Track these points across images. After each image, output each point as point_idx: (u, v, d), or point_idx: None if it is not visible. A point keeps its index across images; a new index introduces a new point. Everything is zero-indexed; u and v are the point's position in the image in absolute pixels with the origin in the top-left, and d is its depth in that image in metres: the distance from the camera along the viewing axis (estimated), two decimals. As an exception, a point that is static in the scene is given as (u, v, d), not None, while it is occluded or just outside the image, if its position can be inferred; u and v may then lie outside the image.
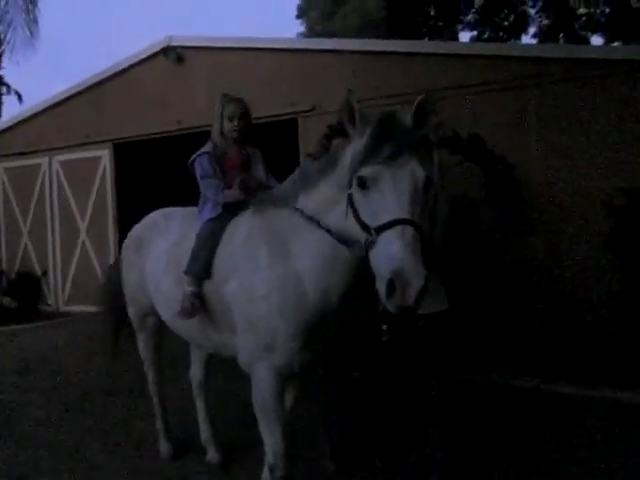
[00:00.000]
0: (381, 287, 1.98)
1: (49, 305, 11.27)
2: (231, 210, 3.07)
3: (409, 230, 2.00)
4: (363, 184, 2.15)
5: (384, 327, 2.39)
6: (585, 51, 7.03)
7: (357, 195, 2.21)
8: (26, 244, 11.56)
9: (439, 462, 3.02)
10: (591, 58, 6.49)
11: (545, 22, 19.06)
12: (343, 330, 3.04)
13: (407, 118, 2.22)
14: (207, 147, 3.30)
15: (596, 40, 19.32)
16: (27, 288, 11.18)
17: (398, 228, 2.00)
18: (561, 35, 18.92)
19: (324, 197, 2.52)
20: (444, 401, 3.05)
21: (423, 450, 3.15)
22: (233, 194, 3.05)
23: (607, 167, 6.30)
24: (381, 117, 2.22)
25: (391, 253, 1.97)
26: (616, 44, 17.05)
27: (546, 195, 6.59)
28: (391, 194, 2.08)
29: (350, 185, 2.24)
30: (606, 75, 6.33)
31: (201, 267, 2.98)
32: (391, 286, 1.92)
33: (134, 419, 4.87)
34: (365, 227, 2.14)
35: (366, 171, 2.14)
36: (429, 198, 2.26)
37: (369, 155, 2.15)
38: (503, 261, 6.27)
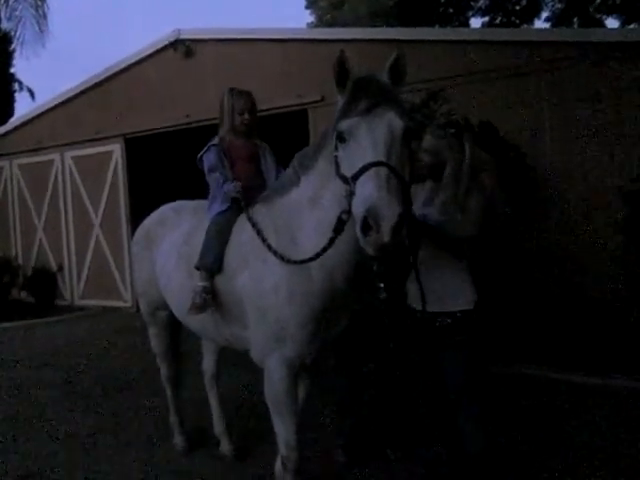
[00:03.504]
0: (357, 228, 1.98)
1: (65, 299, 11.40)
2: (239, 204, 3.05)
3: (383, 170, 2.00)
4: (342, 138, 2.18)
5: (381, 285, 2.36)
6: (599, 34, 6.91)
7: (338, 152, 2.23)
8: (41, 239, 11.68)
9: (476, 454, 2.96)
10: (606, 41, 6.38)
11: (558, 6, 18.74)
12: (354, 322, 3.02)
13: (383, 76, 2.26)
14: (215, 140, 3.29)
15: (612, 23, 19.01)
16: (43, 283, 11.35)
17: (372, 170, 2.01)
18: (575, 19, 18.61)
19: (322, 173, 2.51)
20: (478, 395, 2.99)
21: (453, 444, 3.11)
22: (230, 190, 3.02)
23: (621, 153, 6.22)
24: (359, 77, 2.25)
25: (365, 193, 1.98)
26: (632, 26, 16.75)
27: (559, 182, 6.52)
28: (366, 142, 2.09)
29: (336, 147, 2.26)
30: (621, 59, 6.23)
31: (212, 261, 2.96)
32: (365, 224, 1.92)
33: (148, 412, 4.90)
34: (345, 180, 2.16)
35: (344, 125, 2.16)
36: (410, 148, 2.27)
37: (347, 110, 2.18)
38: (516, 249, 6.21)
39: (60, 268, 11.40)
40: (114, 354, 7.11)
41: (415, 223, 2.64)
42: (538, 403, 4.73)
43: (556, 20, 18.62)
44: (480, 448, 2.95)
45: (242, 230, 2.92)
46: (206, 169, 3.23)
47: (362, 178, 2.02)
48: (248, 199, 2.98)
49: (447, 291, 2.91)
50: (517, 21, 18.89)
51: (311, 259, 2.50)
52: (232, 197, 3.02)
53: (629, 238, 5.91)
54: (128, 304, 10.43)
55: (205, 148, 3.27)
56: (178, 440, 4.12)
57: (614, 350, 5.49)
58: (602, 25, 18.19)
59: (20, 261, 11.84)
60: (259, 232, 2.75)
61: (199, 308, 2.97)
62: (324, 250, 2.44)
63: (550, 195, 6.57)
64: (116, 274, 10.61)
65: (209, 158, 3.22)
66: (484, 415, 3.01)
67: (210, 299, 2.97)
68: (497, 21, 19.14)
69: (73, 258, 11.27)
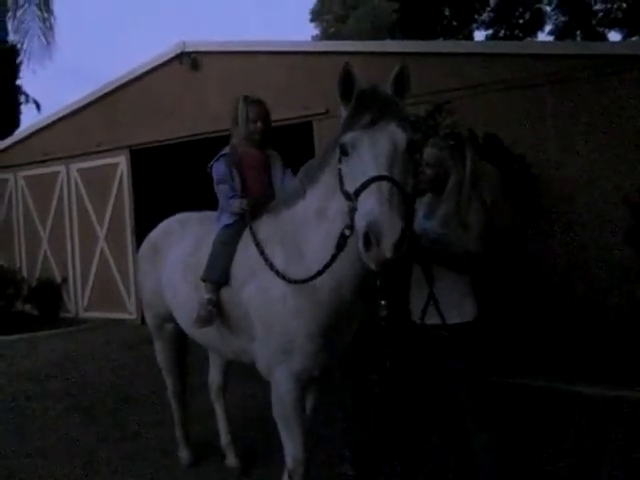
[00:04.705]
0: (359, 243, 1.97)
1: (69, 312, 11.36)
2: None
3: (385, 185, 1.98)
4: (345, 151, 2.17)
5: (382, 302, 2.35)
6: (602, 47, 6.96)
7: (342, 165, 2.22)
8: (46, 251, 11.68)
9: (489, 466, 2.93)
10: (608, 54, 6.42)
11: (561, 19, 18.86)
12: (359, 334, 3.00)
13: (387, 88, 2.24)
14: (225, 149, 3.27)
15: (614, 36, 19.12)
16: (47, 295, 11.30)
17: (374, 185, 1.99)
18: (578, 32, 18.72)
19: (327, 185, 2.49)
20: (484, 407, 2.97)
21: (461, 457, 3.08)
22: (235, 207, 3.01)
23: (625, 164, 6.23)
24: (362, 89, 2.23)
25: (366, 209, 1.97)
26: (634, 39, 16.81)
27: (564, 193, 6.52)
28: (369, 156, 2.08)
29: (340, 161, 2.24)
30: (623, 71, 6.26)
31: (219, 274, 2.95)
32: (367, 239, 1.91)
33: (153, 425, 4.86)
34: (348, 196, 2.14)
35: (346, 138, 2.15)
36: (413, 161, 2.23)
37: (351, 123, 2.16)
38: (521, 260, 6.19)
39: (64, 280, 11.38)
40: (118, 367, 7.07)
41: (417, 242, 2.64)
42: (546, 414, 4.69)
43: (559, 33, 18.75)
44: (491, 462, 2.92)
45: (249, 242, 2.90)
46: (215, 180, 3.21)
47: (364, 193, 2.01)
48: (257, 211, 2.98)
49: (446, 304, 2.89)
50: (520, 34, 19.01)
51: (312, 278, 2.49)
52: (237, 213, 3.02)
53: (635, 249, 5.89)
54: (133, 316, 10.40)
55: (215, 158, 3.25)
56: (183, 453, 4.08)
57: (622, 361, 5.45)
58: (604, 38, 18.30)
59: (24, 273, 11.83)
60: (262, 252, 2.74)
61: (204, 321, 2.95)
62: (326, 267, 2.44)
63: (555, 205, 6.56)
64: (121, 286, 10.60)
65: (218, 169, 3.19)
66: (492, 427, 2.97)
67: (216, 312, 2.96)
68: (500, 34, 19.26)
69: (78, 270, 11.25)
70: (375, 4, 24.82)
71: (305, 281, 2.53)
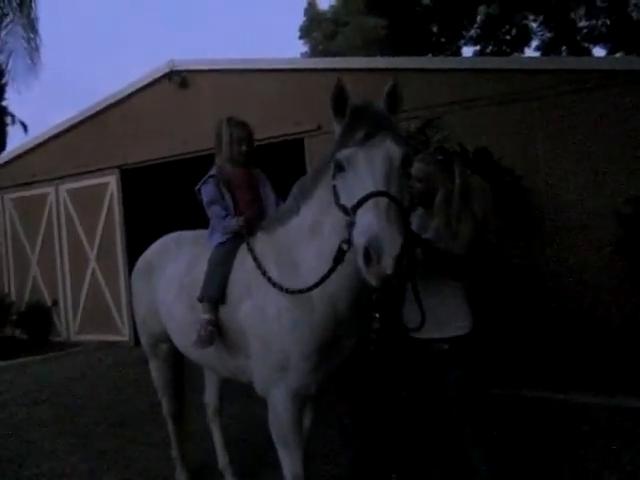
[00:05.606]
0: (359, 259, 1.95)
1: (60, 335, 11.17)
2: (241, 234, 3.01)
3: (383, 201, 1.98)
4: (340, 167, 2.16)
5: (376, 315, 2.32)
6: (588, 62, 7.06)
7: (337, 181, 2.21)
8: (35, 274, 11.54)
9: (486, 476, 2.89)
10: (595, 69, 6.51)
11: (547, 35, 19.16)
12: (357, 348, 2.96)
13: (380, 104, 2.24)
14: (213, 171, 3.25)
15: (598, 51, 19.45)
16: (37, 319, 11.09)
17: (371, 201, 1.99)
18: (563, 47, 19.01)
19: (322, 200, 2.47)
20: (480, 421, 2.93)
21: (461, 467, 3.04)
22: (232, 225, 3.00)
23: (614, 176, 6.29)
24: (356, 104, 2.24)
25: (366, 224, 1.96)
26: (618, 55, 17.09)
27: (554, 205, 6.56)
28: (365, 171, 2.08)
29: (334, 177, 2.24)
30: (610, 86, 6.34)
31: (215, 292, 2.91)
32: (367, 255, 1.90)
33: (149, 448, 4.77)
34: (345, 210, 2.13)
35: (342, 154, 2.15)
36: (408, 175, 2.23)
37: (345, 140, 2.17)
38: (511, 271, 6.19)
39: (55, 303, 11.21)
40: (113, 390, 6.95)
41: (415, 242, 2.60)
42: (544, 425, 4.66)
43: (545, 48, 19.03)
44: (488, 475, 2.88)
45: (244, 260, 2.88)
46: (205, 202, 3.18)
47: (362, 209, 2.00)
48: (249, 229, 2.95)
49: (443, 316, 2.87)
50: (508, 50, 19.28)
51: (309, 289, 2.47)
52: (234, 231, 2.99)
53: (626, 259, 5.93)
54: (126, 338, 10.25)
55: (203, 179, 3.22)
56: (180, 476, 3.99)
57: (619, 370, 5.46)
58: (589, 53, 18.60)
59: (13, 297, 11.64)
60: (259, 266, 2.72)
61: (205, 342, 2.90)
62: (322, 280, 2.42)
63: (546, 216, 6.60)
64: (113, 308, 10.46)
65: (207, 191, 3.16)
66: (489, 439, 2.94)
67: (216, 331, 2.91)
68: (488, 50, 19.52)
69: (68, 293, 11.10)
70: (364, 20, 25.00)
71: (301, 292, 2.51)
